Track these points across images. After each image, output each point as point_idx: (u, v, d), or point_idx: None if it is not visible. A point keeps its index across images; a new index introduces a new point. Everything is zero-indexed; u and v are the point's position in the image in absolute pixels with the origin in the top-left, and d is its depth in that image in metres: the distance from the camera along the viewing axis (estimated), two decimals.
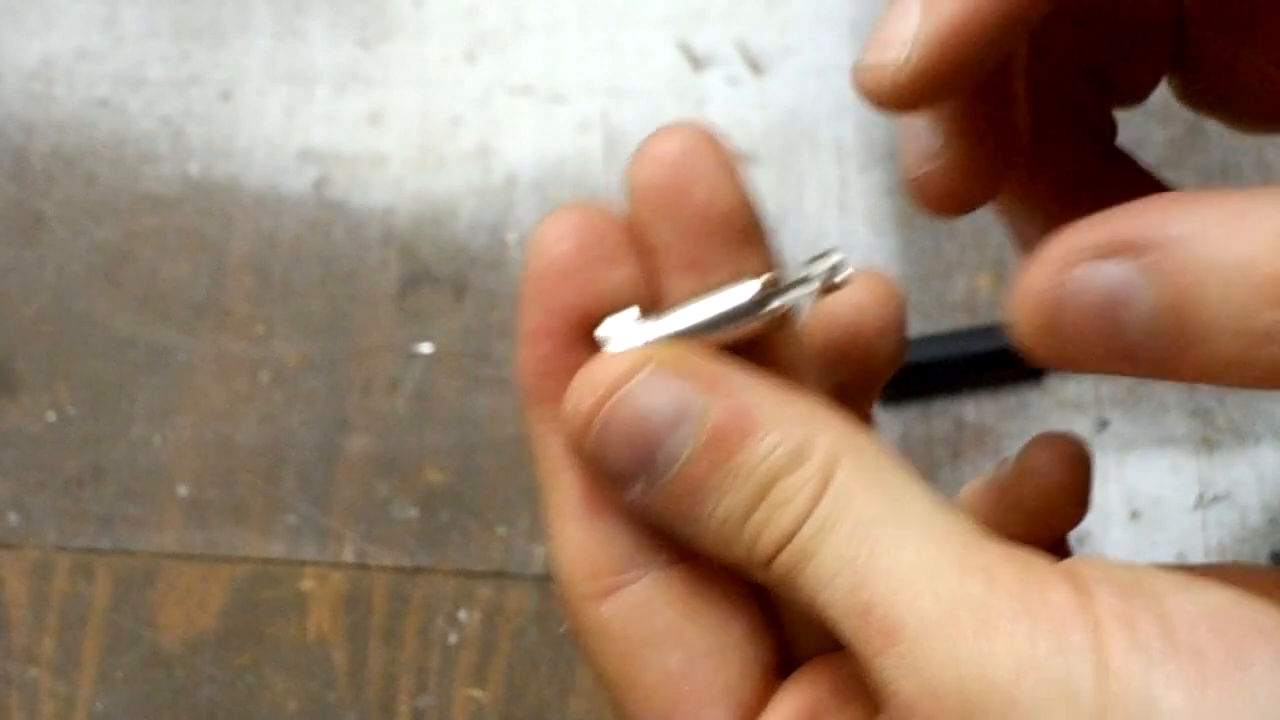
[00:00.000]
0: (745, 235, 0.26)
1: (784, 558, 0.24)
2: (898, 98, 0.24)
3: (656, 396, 0.25)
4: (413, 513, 0.51)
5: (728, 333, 0.26)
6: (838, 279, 0.25)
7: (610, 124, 0.56)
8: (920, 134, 0.28)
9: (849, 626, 0.23)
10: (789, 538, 0.24)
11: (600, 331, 0.26)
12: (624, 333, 0.26)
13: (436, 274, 0.54)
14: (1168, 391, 0.51)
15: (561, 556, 0.27)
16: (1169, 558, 0.49)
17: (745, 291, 0.25)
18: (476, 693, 0.50)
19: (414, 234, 0.55)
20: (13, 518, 0.52)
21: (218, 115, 0.56)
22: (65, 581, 0.51)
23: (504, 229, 0.55)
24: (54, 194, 0.56)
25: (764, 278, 0.25)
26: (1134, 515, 0.50)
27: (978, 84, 0.25)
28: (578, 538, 0.26)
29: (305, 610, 0.51)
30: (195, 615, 0.51)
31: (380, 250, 0.54)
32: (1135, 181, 0.32)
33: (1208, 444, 0.50)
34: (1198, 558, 0.49)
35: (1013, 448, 0.51)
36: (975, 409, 0.51)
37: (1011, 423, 0.51)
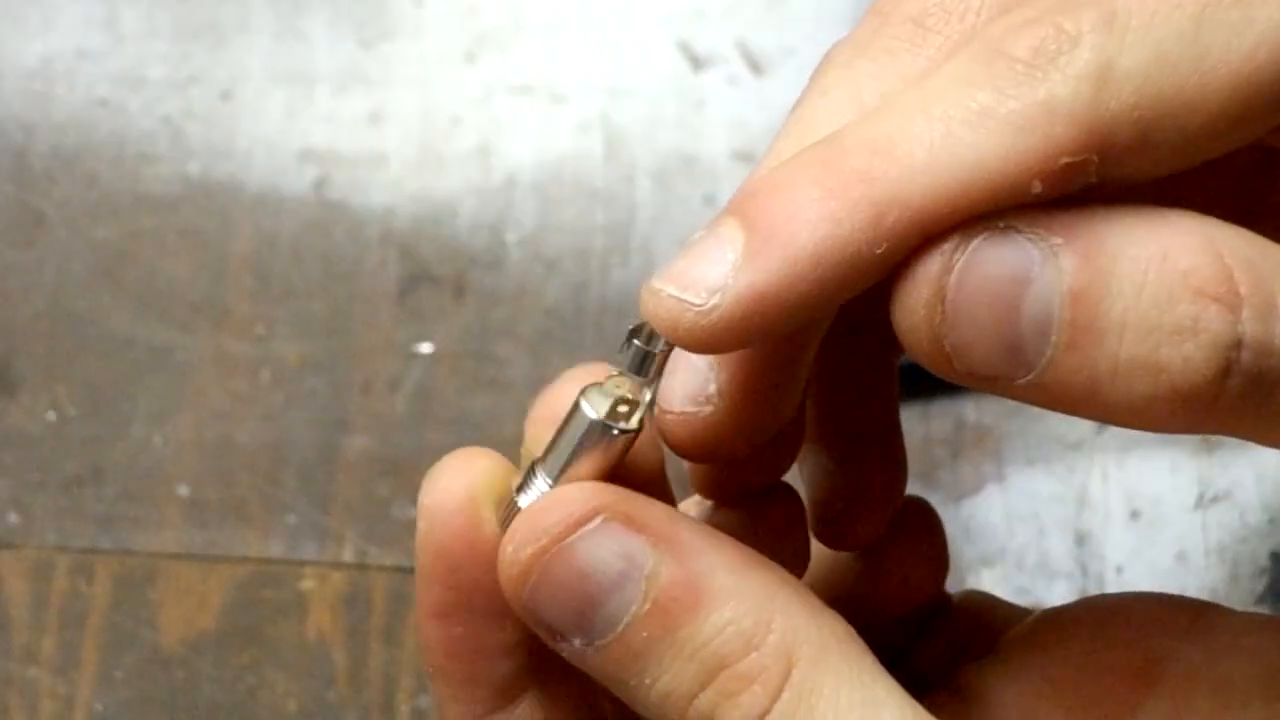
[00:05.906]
0: None
1: None
2: (693, 341, 0.21)
3: (602, 552, 0.22)
4: (413, 513, 0.51)
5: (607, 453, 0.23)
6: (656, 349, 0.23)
7: (610, 124, 0.56)
8: (692, 371, 0.25)
9: None
10: None
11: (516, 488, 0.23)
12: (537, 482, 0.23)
13: (436, 274, 0.54)
14: None
15: None
16: (1169, 558, 0.49)
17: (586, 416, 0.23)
18: None
19: (414, 234, 0.55)
20: (13, 518, 0.52)
21: (218, 115, 0.56)
22: (65, 581, 0.51)
23: (504, 229, 0.55)
24: (54, 194, 0.56)
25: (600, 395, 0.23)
26: (1134, 515, 0.50)
27: (773, 346, 0.23)
28: None
29: (305, 610, 0.51)
30: (195, 615, 0.51)
31: (380, 250, 0.54)
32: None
33: (1207, 444, 0.50)
34: (1198, 558, 0.49)
35: (1013, 448, 0.51)
36: (975, 409, 0.51)
37: (1012, 422, 0.51)
